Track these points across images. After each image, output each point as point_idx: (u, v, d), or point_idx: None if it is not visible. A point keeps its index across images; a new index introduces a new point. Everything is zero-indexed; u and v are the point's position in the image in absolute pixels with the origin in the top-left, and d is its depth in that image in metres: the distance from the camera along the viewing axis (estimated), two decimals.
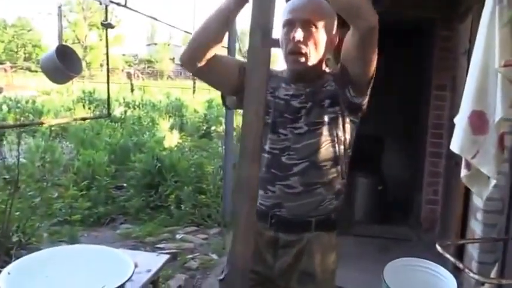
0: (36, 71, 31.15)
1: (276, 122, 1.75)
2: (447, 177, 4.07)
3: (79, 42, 34.96)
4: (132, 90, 21.06)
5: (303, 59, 1.69)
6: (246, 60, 1.52)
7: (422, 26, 4.83)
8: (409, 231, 4.85)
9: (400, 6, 4.32)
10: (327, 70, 1.81)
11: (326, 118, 1.71)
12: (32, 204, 4.77)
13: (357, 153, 5.51)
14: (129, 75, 24.26)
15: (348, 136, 1.78)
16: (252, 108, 1.41)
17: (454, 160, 3.34)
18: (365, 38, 1.53)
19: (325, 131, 1.71)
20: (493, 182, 2.52)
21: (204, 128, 11.51)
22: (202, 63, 1.67)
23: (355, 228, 4.73)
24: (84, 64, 34.21)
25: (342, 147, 1.76)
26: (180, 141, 9.64)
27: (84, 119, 6.61)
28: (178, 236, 4.88)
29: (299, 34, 1.66)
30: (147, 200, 5.76)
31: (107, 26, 4.06)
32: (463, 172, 2.70)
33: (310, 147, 1.71)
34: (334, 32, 1.76)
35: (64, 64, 3.50)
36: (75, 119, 6.72)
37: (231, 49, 5.25)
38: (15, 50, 32.96)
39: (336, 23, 1.77)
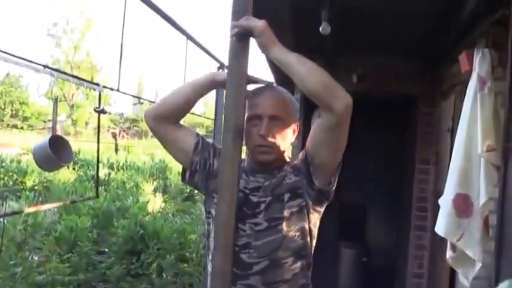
0: (22, 128, 31.09)
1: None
2: (432, 250, 4.06)
3: (65, 100, 35.15)
4: (116, 150, 21.00)
5: (270, 151, 1.70)
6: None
7: (407, 101, 4.96)
8: None
9: (384, 83, 4.47)
10: (287, 160, 1.82)
11: (286, 213, 1.67)
12: (12, 272, 4.63)
13: (342, 222, 5.52)
14: (114, 135, 24.25)
15: (313, 227, 1.74)
16: (225, 204, 1.48)
17: (439, 235, 3.35)
18: (342, 118, 1.54)
19: (286, 226, 1.67)
20: (479, 264, 2.52)
21: (188, 191, 11.44)
22: (164, 124, 1.72)
23: None
24: (70, 122, 34.09)
25: (307, 239, 1.73)
26: (163, 204, 9.55)
27: (73, 202, 6.64)
28: None
29: (267, 130, 1.67)
30: (128, 267, 5.65)
31: (100, 112, 4.13)
32: (449, 254, 2.70)
33: (271, 244, 1.66)
34: (296, 119, 1.79)
35: (55, 152, 3.53)
36: (64, 203, 6.70)
37: (218, 105, 5.25)
38: (3, 107, 32.99)
39: (297, 109, 1.83)
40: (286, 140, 1.74)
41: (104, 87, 4.10)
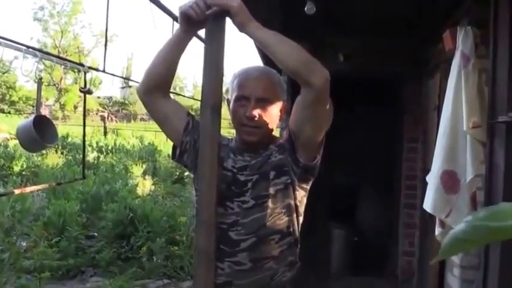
0: (10, 112, 30.73)
1: (222, 194, 1.69)
2: (423, 228, 4.08)
3: (54, 85, 34.81)
4: (105, 133, 20.91)
5: (257, 132, 1.71)
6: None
7: (394, 81, 4.95)
8: (386, 283, 4.82)
9: (371, 63, 4.46)
10: (274, 139, 1.82)
11: (272, 190, 1.69)
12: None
13: (332, 203, 5.53)
14: (102, 118, 24.13)
15: (299, 204, 1.76)
16: (205, 181, 1.49)
17: (428, 213, 3.37)
18: (321, 92, 1.56)
19: (272, 203, 1.69)
20: None
21: (177, 173, 11.42)
22: (154, 97, 1.70)
23: (332, 282, 4.69)
24: (58, 106, 33.78)
25: (293, 216, 1.74)
26: (153, 187, 9.53)
27: (59, 184, 6.58)
28: None
29: (255, 111, 1.68)
30: (118, 251, 5.62)
31: (85, 92, 4.07)
32: (438, 230, 2.71)
33: (258, 222, 1.68)
34: (283, 100, 1.79)
35: (40, 133, 3.47)
36: (50, 185, 6.63)
37: None
38: None
39: (285, 90, 1.83)
40: (272, 120, 1.74)
41: (89, 67, 4.04)
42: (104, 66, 4.17)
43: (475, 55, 2.55)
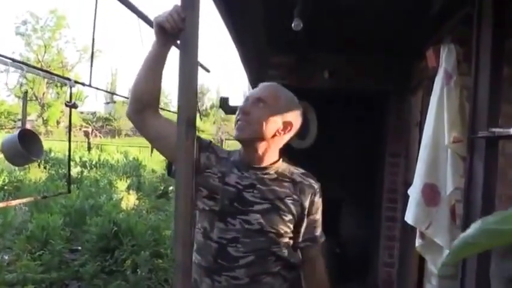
0: None
1: (224, 210, 1.69)
2: (403, 240, 4.16)
3: (36, 100, 34.53)
4: (89, 148, 20.77)
5: (247, 128, 1.70)
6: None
7: (378, 97, 5.07)
8: None
9: (355, 80, 4.56)
10: (284, 168, 1.81)
11: (280, 223, 1.71)
12: None
13: None
14: (86, 134, 23.96)
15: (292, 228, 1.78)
16: (180, 196, 1.44)
17: (409, 225, 3.44)
18: None
19: (277, 234, 1.71)
20: (447, 251, 2.61)
21: (162, 188, 11.39)
22: (148, 113, 1.66)
23: None
24: (41, 121, 33.39)
25: (292, 241, 1.77)
26: (137, 202, 9.50)
27: (44, 197, 6.53)
28: None
29: (249, 107, 1.71)
30: (102, 264, 5.58)
31: (71, 106, 4.09)
32: (418, 242, 2.78)
33: (259, 244, 1.69)
34: (289, 119, 1.76)
35: (25, 147, 3.48)
36: (35, 198, 6.59)
37: None
38: None
39: (295, 112, 1.79)
40: (267, 126, 1.70)
41: (76, 82, 4.07)
42: (90, 81, 4.20)
43: (457, 72, 2.64)
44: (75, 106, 4.26)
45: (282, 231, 1.71)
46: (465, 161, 2.57)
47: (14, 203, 5.49)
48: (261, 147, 1.73)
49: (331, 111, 4.88)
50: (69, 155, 4.54)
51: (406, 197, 2.98)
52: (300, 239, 1.80)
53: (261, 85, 1.82)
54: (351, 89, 4.77)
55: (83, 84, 4.13)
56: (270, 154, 1.76)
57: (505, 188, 2.75)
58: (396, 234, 4.51)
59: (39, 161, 14.27)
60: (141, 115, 1.67)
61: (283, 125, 1.74)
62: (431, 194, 2.69)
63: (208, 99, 54.87)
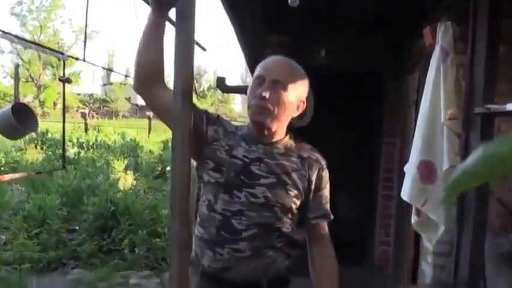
0: None
1: (229, 182, 1.69)
2: (398, 219, 4.19)
3: (33, 81, 34.34)
4: (86, 130, 20.72)
5: (264, 113, 1.68)
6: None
7: (374, 76, 5.05)
8: (363, 271, 4.93)
9: (352, 58, 4.55)
10: (292, 143, 1.80)
11: (286, 198, 1.70)
12: None
13: None
14: (83, 115, 23.86)
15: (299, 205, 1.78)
16: (177, 172, 1.44)
17: (404, 203, 3.46)
18: None
19: (282, 209, 1.70)
20: (442, 228, 2.62)
21: (159, 168, 11.40)
22: (154, 87, 1.65)
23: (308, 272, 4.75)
24: (37, 103, 33.24)
25: (295, 217, 1.77)
26: (135, 182, 9.51)
27: (38, 173, 6.51)
28: (131, 281, 4.77)
29: (266, 91, 1.66)
30: (99, 243, 5.62)
31: (64, 81, 4.07)
32: (413, 219, 2.80)
33: (264, 219, 1.69)
34: (302, 98, 1.76)
35: (19, 120, 3.47)
36: (28, 174, 6.58)
37: None
38: None
39: (306, 88, 1.78)
40: (285, 109, 1.70)
41: (69, 56, 4.04)
42: (84, 56, 4.16)
43: (454, 50, 2.64)
44: (68, 81, 4.25)
45: (288, 206, 1.71)
46: (461, 139, 2.58)
47: (6, 177, 5.48)
48: (274, 126, 1.72)
49: (327, 91, 4.86)
50: (63, 129, 4.51)
51: (402, 176, 2.98)
52: (310, 215, 1.80)
53: (274, 63, 1.75)
54: (348, 68, 4.76)
55: (77, 58, 4.09)
56: (280, 130, 1.76)
57: None
58: (392, 213, 4.54)
59: (36, 141, 14.29)
60: (147, 88, 1.67)
61: (297, 104, 1.75)
62: (427, 171, 2.69)
63: (206, 81, 54.59)
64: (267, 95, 1.66)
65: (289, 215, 1.73)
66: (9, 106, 3.57)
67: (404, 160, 3.96)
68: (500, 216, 2.75)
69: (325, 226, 1.85)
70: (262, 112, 1.68)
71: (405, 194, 2.77)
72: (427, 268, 3.44)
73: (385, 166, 4.71)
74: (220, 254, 1.69)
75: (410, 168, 2.79)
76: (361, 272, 4.92)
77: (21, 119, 3.52)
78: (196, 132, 1.68)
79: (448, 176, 2.67)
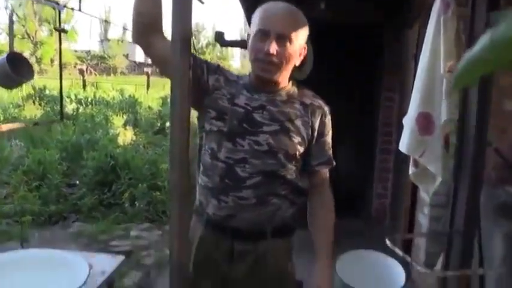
0: None
1: (232, 130, 1.68)
2: (396, 172, 4.22)
3: (29, 38, 33.84)
4: (84, 86, 20.59)
5: (272, 69, 1.66)
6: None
7: (374, 30, 4.99)
8: (361, 224, 5.01)
9: (352, 12, 4.47)
10: (294, 90, 1.79)
11: (289, 145, 1.70)
12: None
13: None
14: (81, 71, 23.67)
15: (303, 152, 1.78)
16: (176, 120, 1.43)
17: (402, 156, 3.48)
18: None
19: (285, 156, 1.70)
20: (439, 179, 2.64)
21: (159, 124, 11.38)
22: (153, 37, 1.63)
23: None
24: (34, 59, 32.85)
25: (299, 164, 1.78)
26: (134, 137, 9.52)
27: (36, 123, 6.48)
28: (132, 233, 4.85)
29: (273, 48, 1.62)
30: (100, 197, 5.67)
31: (60, 31, 4.01)
32: (411, 170, 2.81)
33: (268, 166, 1.69)
34: (303, 43, 1.74)
35: (14, 70, 3.43)
36: (26, 125, 6.55)
37: None
38: None
39: (307, 33, 1.75)
40: (290, 60, 1.68)
41: (65, 6, 3.97)
42: (80, 6, 4.08)
43: (455, 2, 2.59)
44: (64, 31, 4.19)
45: (291, 153, 1.71)
46: (460, 91, 2.56)
47: (4, 127, 5.47)
48: (277, 76, 1.70)
49: (326, 44, 4.81)
50: (61, 78, 4.48)
51: (401, 130, 2.98)
52: (313, 162, 1.80)
53: (277, 14, 1.69)
54: (348, 21, 4.69)
55: (73, 9, 4.03)
56: (284, 79, 1.74)
57: (498, 120, 2.77)
58: (390, 166, 4.57)
59: (33, 98, 14.24)
60: (145, 38, 1.65)
61: (300, 51, 1.73)
62: (425, 122, 2.69)
63: (204, 37, 53.89)
64: (275, 51, 1.63)
65: (293, 162, 1.73)
66: (4, 55, 3.53)
67: (403, 114, 3.95)
68: (498, 168, 2.77)
69: (326, 172, 1.86)
70: (270, 69, 1.67)
71: (403, 146, 2.78)
72: (423, 219, 3.50)
73: (384, 120, 4.71)
74: (225, 202, 1.70)
75: (408, 120, 2.78)
76: (358, 224, 5.00)
77: (16, 68, 3.49)
78: (197, 81, 1.68)
79: (445, 128, 2.68)
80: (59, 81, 5.05)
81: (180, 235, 1.46)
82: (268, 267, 1.75)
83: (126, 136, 9.16)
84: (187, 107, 1.48)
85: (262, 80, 1.71)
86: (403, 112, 3.93)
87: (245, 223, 1.71)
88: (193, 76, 1.67)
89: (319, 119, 1.78)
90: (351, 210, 5.25)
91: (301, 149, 1.74)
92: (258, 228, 1.73)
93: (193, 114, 1.64)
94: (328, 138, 1.84)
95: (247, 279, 1.76)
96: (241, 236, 1.73)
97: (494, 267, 2.62)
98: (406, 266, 3.40)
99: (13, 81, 3.64)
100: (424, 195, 3.46)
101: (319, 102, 1.81)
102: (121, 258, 2.25)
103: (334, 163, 1.86)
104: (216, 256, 1.76)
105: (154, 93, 18.90)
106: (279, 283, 1.79)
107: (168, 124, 10.93)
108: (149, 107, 14.40)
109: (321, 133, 1.79)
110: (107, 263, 2.17)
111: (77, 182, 6.41)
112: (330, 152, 1.85)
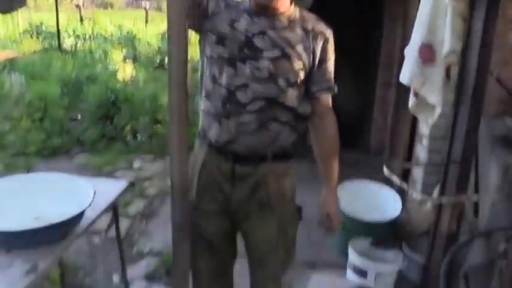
0: None
1: (233, 55, 1.69)
2: (396, 105, 4.22)
3: None
4: (81, 20, 20.16)
5: None
6: None
7: None
8: (359, 156, 5.08)
9: None
10: (296, 15, 1.78)
11: (290, 71, 1.71)
12: None
13: None
14: (77, 6, 23.12)
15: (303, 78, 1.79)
16: (174, 40, 1.43)
17: (403, 90, 3.48)
18: None
19: (286, 82, 1.71)
20: (438, 110, 2.66)
21: (159, 60, 11.24)
22: None
23: (310, 154, 4.92)
24: None
25: (301, 90, 1.78)
26: (134, 72, 9.43)
27: (34, 52, 6.40)
28: (135, 165, 4.93)
29: None
30: (102, 131, 5.71)
31: None
32: (411, 101, 2.82)
33: (269, 92, 1.70)
34: None
35: None
36: (22, 55, 6.47)
37: None
38: None
39: None
40: None
41: None
42: None
43: None
44: None
45: (292, 79, 1.72)
46: (464, 23, 2.53)
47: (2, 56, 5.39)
48: (276, 1, 1.70)
49: None
50: (56, 8, 4.37)
51: (402, 61, 2.97)
52: (314, 88, 1.81)
53: None
54: None
55: None
56: (282, 3, 1.73)
57: (502, 52, 2.75)
58: (391, 99, 4.58)
59: (31, 33, 14.01)
60: None
61: None
62: (427, 53, 2.66)
63: None
64: None
65: (294, 88, 1.74)
66: None
67: (405, 47, 3.92)
68: (498, 99, 2.78)
69: (328, 99, 1.87)
70: None
71: (404, 77, 2.77)
72: (421, 152, 3.54)
73: (386, 53, 4.67)
74: (227, 127, 1.73)
75: (410, 51, 2.76)
76: (356, 157, 5.07)
77: None
78: (199, 7, 1.69)
79: (448, 59, 2.66)
80: (55, 15, 4.95)
81: (181, 162, 1.48)
82: (268, 189, 1.81)
83: (125, 71, 9.07)
84: (184, 26, 1.46)
85: (261, 5, 1.70)
86: (405, 44, 3.89)
87: (246, 148, 1.75)
88: (194, 2, 1.66)
89: (320, 44, 1.77)
90: (349, 143, 5.30)
91: (302, 75, 1.75)
92: (258, 153, 1.77)
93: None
94: (330, 64, 1.84)
95: (248, 201, 1.82)
96: (242, 159, 1.77)
97: (489, 195, 2.69)
98: (402, 196, 3.50)
99: (4, 5, 3.56)
100: (423, 128, 3.49)
101: (322, 27, 1.80)
102: (124, 183, 2.33)
103: (337, 89, 1.86)
104: (218, 178, 1.81)
105: (153, 28, 18.52)
106: (279, 205, 1.84)
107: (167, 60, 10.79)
108: (148, 43, 14.17)
109: (323, 59, 1.79)
110: (111, 187, 2.24)
111: (79, 116, 6.42)
112: (332, 78, 1.85)
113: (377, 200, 3.51)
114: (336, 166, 1.90)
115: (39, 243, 1.68)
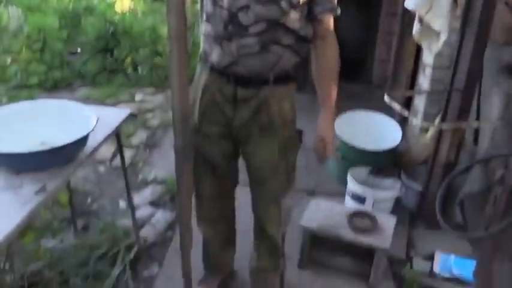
0: None
1: None
2: (400, 36, 4.16)
3: None
4: None
5: None
6: None
7: None
8: (361, 87, 5.06)
9: None
10: None
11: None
12: None
13: None
14: None
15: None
16: None
17: (408, 19, 3.41)
18: None
19: (289, 2, 1.68)
20: (443, 37, 2.62)
21: None
22: None
23: (310, 85, 4.89)
24: None
25: (303, 11, 1.75)
26: (132, 4, 9.21)
27: None
28: (137, 98, 4.93)
29: None
30: (103, 64, 5.65)
31: None
32: (416, 28, 2.79)
33: (271, 14, 1.68)
34: None
35: None
36: None
37: None
38: None
39: None
40: None
41: None
42: None
43: None
44: None
45: (294, 1, 1.69)
46: None
47: None
48: None
49: None
50: None
51: None
52: (317, 9, 1.77)
53: None
54: None
55: None
56: None
57: None
58: (395, 30, 4.50)
59: None
60: None
61: None
62: None
63: None
64: None
65: (296, 10, 1.72)
66: None
67: None
68: (505, 28, 2.73)
69: (331, 21, 1.83)
70: None
71: (410, 3, 2.72)
72: (424, 81, 3.53)
73: None
74: (228, 49, 1.72)
75: None
76: (359, 87, 5.06)
77: None
78: None
79: None
80: None
81: (182, 97, 1.47)
82: (270, 112, 1.82)
83: (123, 4, 8.85)
84: None
85: None
86: None
87: (247, 70, 1.75)
88: None
89: None
90: (352, 74, 5.26)
91: None
92: (260, 76, 1.77)
93: None
94: None
95: (250, 123, 1.84)
96: (243, 82, 1.77)
97: (490, 122, 2.70)
98: (402, 127, 3.52)
99: None
100: (427, 57, 3.46)
101: None
102: (127, 110, 2.35)
103: (339, 11, 1.83)
104: (220, 102, 1.83)
105: None
106: (280, 127, 1.86)
107: None
108: None
109: None
110: (114, 115, 2.26)
111: (78, 49, 6.34)
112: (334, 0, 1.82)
113: (377, 130, 3.53)
114: (334, 91, 1.88)
115: (46, 166, 1.73)
